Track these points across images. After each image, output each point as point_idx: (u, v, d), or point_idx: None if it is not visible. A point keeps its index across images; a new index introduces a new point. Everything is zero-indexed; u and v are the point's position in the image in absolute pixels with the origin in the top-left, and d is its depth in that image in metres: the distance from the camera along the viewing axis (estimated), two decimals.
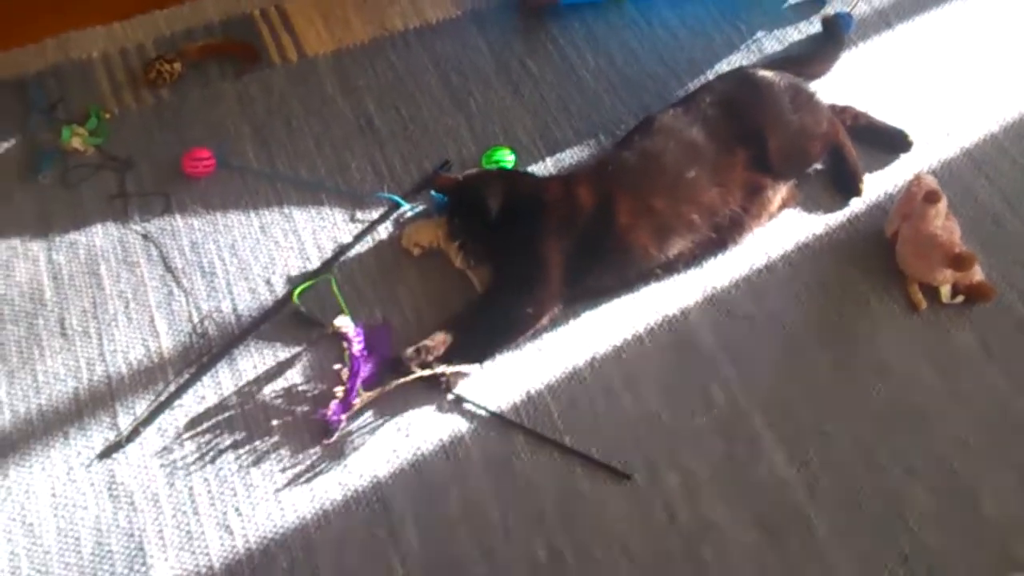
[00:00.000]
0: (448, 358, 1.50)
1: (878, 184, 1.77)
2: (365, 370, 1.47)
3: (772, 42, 1.99)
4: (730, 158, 1.64)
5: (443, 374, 1.48)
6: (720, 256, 1.67)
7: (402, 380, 1.47)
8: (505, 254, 1.58)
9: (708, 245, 1.63)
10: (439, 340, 1.51)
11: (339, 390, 1.45)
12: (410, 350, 1.49)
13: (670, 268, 1.62)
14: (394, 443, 1.46)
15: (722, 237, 1.64)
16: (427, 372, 1.48)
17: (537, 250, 1.56)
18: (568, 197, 1.59)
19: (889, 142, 1.82)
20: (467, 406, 1.50)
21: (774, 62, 1.91)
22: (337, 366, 1.49)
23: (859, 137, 1.79)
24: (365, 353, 1.49)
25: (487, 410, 1.50)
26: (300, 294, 1.59)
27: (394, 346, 1.52)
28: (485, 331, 1.54)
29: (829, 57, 1.92)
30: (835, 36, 1.94)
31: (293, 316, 1.58)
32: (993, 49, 1.99)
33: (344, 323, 1.51)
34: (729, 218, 1.62)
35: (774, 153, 1.65)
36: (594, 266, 1.57)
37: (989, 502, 1.43)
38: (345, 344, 1.49)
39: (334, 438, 1.45)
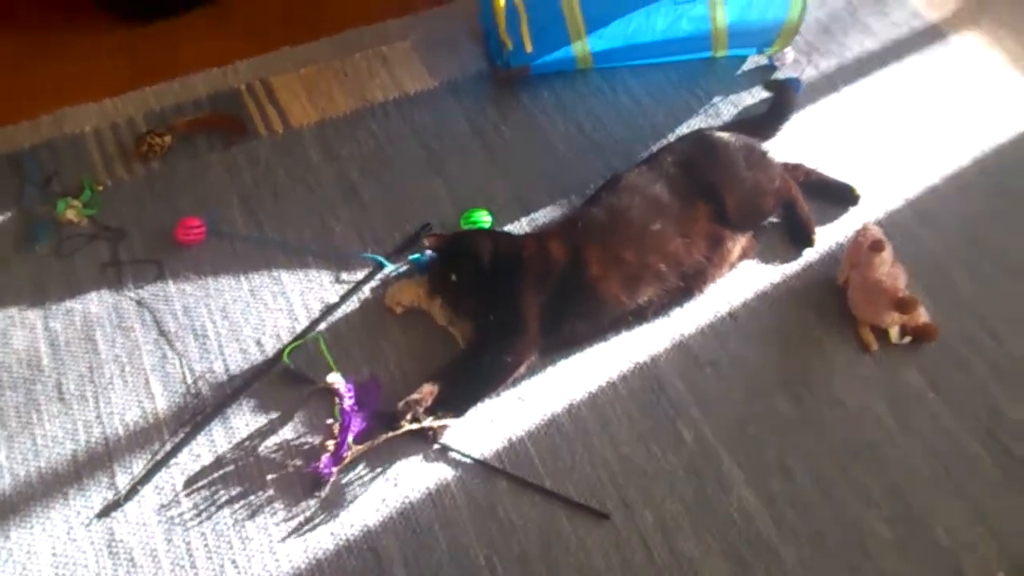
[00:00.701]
0: (435, 409, 1.59)
1: (829, 235, 1.89)
2: (356, 424, 1.55)
3: (728, 106, 2.13)
4: (692, 212, 1.76)
5: (430, 427, 1.57)
6: (686, 305, 1.78)
7: (391, 434, 1.54)
8: (486, 308, 1.67)
9: (675, 293, 1.74)
10: (426, 392, 1.59)
11: (331, 443, 1.53)
12: (401, 404, 1.57)
13: (640, 316, 1.73)
14: (383, 493, 1.54)
15: (688, 285, 1.74)
16: (415, 426, 1.55)
17: (516, 303, 1.66)
18: (542, 252, 1.70)
19: (838, 196, 1.95)
20: (452, 455, 1.58)
21: (730, 125, 2.05)
22: (329, 421, 1.56)
23: (810, 192, 1.92)
24: (355, 408, 1.57)
25: (471, 458, 1.58)
26: (290, 353, 1.67)
27: (383, 401, 1.60)
28: (468, 381, 1.63)
29: (780, 119, 2.06)
30: (784, 99, 2.07)
31: (284, 374, 1.66)
32: (931, 108, 2.14)
33: (335, 379, 1.59)
34: (694, 267, 1.74)
35: (731, 208, 1.78)
36: (569, 315, 1.67)
37: (941, 528, 1.53)
38: (336, 399, 1.57)
39: (326, 490, 1.52)
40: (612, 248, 1.70)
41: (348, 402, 1.56)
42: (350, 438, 1.53)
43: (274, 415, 1.62)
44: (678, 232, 1.74)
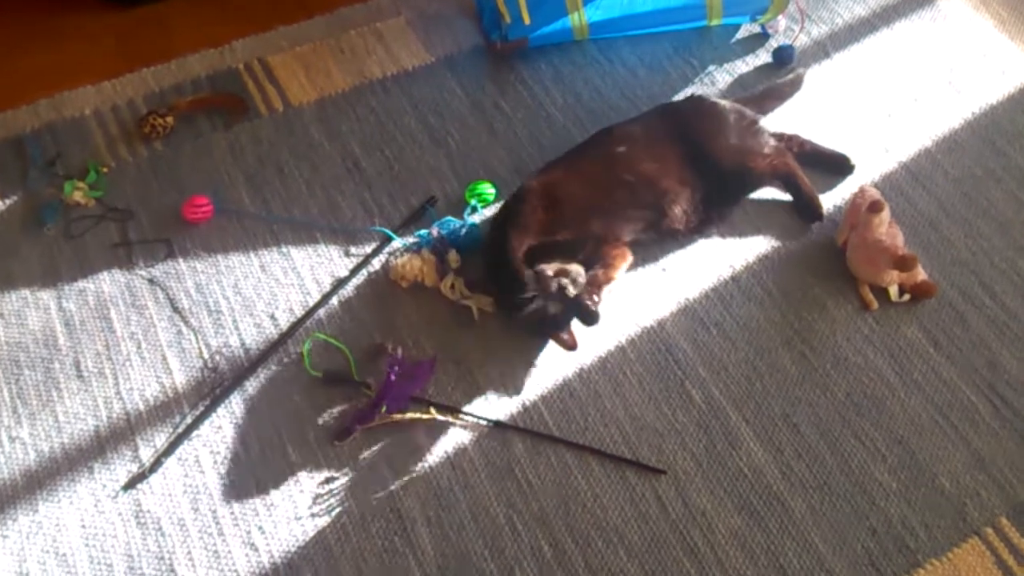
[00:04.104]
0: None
1: (826, 199, 1.93)
2: (394, 395, 1.58)
3: (723, 75, 2.16)
4: (666, 147, 1.83)
5: (457, 416, 1.61)
6: (686, 259, 1.84)
7: (420, 415, 1.59)
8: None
9: (659, 221, 1.80)
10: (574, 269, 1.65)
11: (363, 403, 1.58)
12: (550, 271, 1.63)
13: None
14: (403, 458, 1.57)
15: (668, 213, 1.79)
16: (443, 417, 1.61)
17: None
18: (524, 191, 1.79)
19: (833, 166, 1.98)
20: (469, 419, 1.62)
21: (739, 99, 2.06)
22: (369, 381, 1.61)
23: (805, 162, 1.94)
24: (396, 380, 1.59)
25: (488, 420, 1.62)
26: (310, 364, 1.67)
27: (428, 385, 1.64)
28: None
29: (781, 97, 2.09)
30: (790, 83, 2.10)
31: (322, 382, 1.65)
32: (920, 72, 2.18)
33: (391, 346, 1.63)
34: (669, 193, 1.79)
35: (717, 164, 1.83)
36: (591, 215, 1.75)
37: (944, 476, 1.58)
38: (386, 367, 1.59)
39: (346, 441, 1.57)
40: (578, 168, 1.81)
41: (395, 371, 1.58)
42: (384, 405, 1.56)
43: (292, 386, 1.66)
44: (649, 156, 1.81)
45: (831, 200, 1.93)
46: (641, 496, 1.55)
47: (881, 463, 1.59)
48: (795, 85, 2.11)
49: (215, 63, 2.16)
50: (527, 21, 2.00)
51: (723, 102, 1.94)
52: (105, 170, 1.94)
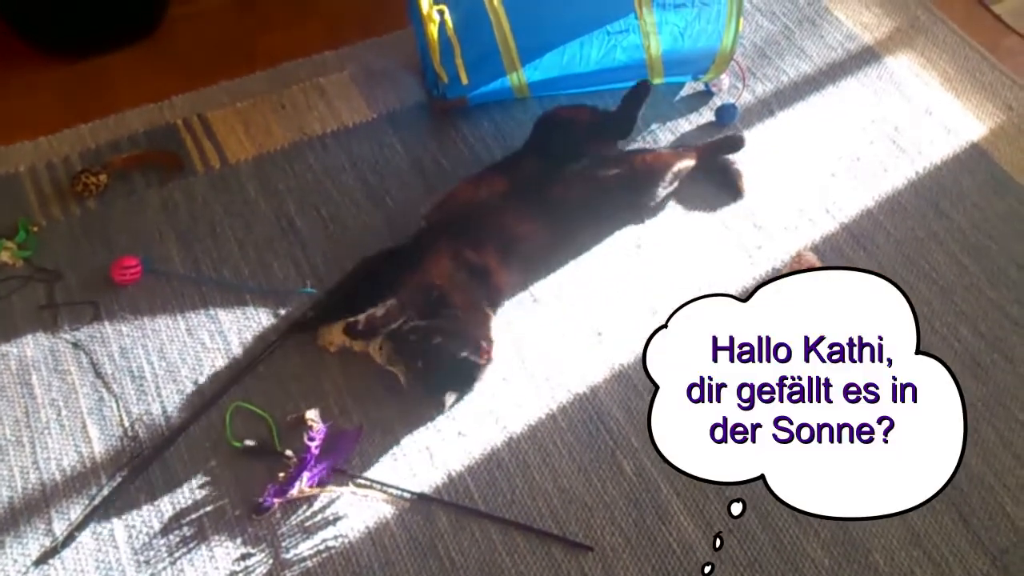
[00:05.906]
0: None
1: (764, 262, 1.91)
2: (315, 469, 1.54)
3: (666, 133, 2.14)
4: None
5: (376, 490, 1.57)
6: (620, 323, 1.81)
7: (345, 490, 1.55)
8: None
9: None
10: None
11: (282, 475, 1.53)
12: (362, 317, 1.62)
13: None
14: (323, 534, 1.53)
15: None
16: (364, 491, 1.57)
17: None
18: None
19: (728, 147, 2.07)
20: (392, 491, 1.58)
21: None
22: (288, 453, 1.57)
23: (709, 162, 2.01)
24: (317, 452, 1.55)
25: (411, 493, 1.58)
26: (232, 434, 1.63)
27: (353, 455, 1.60)
28: None
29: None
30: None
31: (243, 454, 1.61)
32: (865, 131, 2.17)
33: (313, 416, 1.59)
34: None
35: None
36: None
37: (878, 552, 1.55)
38: (307, 438, 1.55)
39: (264, 516, 1.52)
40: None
41: (315, 443, 1.54)
42: (304, 477, 1.52)
43: (212, 457, 1.61)
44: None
45: (768, 263, 1.91)
46: (567, 575, 1.51)
47: (814, 538, 1.56)
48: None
49: (154, 118, 2.12)
50: (465, 81, 1.98)
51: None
52: (35, 229, 1.90)
